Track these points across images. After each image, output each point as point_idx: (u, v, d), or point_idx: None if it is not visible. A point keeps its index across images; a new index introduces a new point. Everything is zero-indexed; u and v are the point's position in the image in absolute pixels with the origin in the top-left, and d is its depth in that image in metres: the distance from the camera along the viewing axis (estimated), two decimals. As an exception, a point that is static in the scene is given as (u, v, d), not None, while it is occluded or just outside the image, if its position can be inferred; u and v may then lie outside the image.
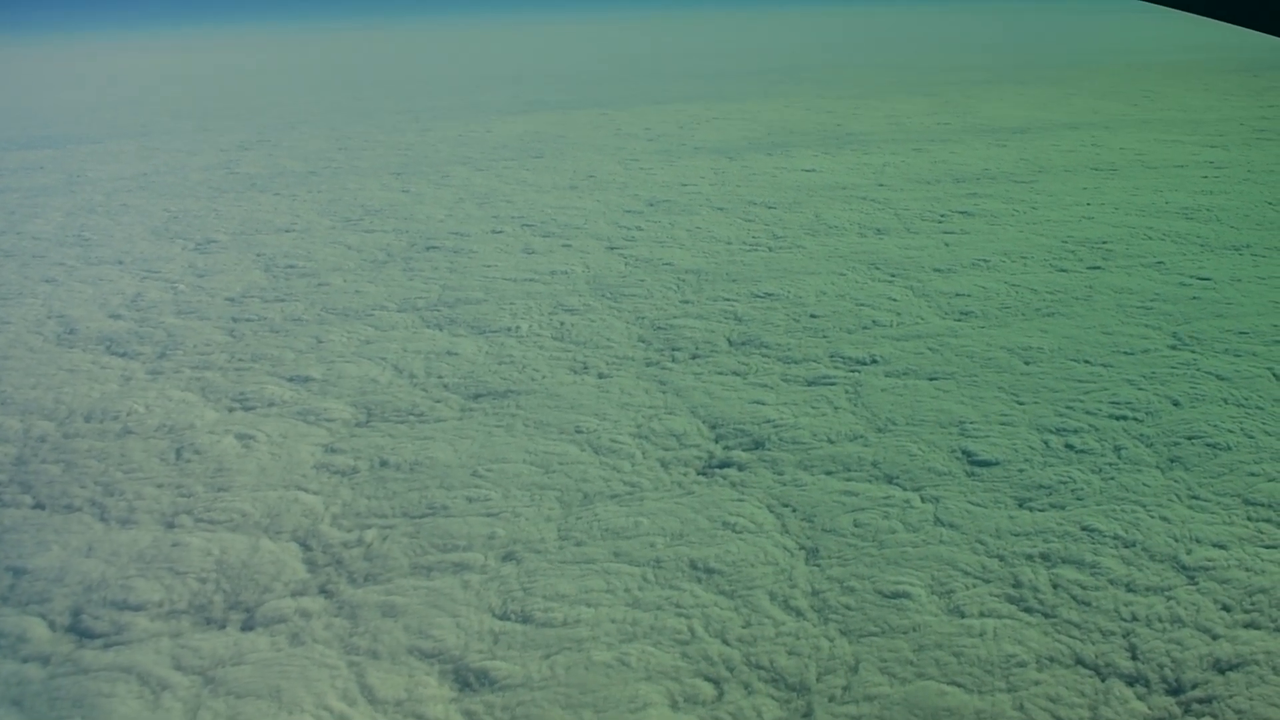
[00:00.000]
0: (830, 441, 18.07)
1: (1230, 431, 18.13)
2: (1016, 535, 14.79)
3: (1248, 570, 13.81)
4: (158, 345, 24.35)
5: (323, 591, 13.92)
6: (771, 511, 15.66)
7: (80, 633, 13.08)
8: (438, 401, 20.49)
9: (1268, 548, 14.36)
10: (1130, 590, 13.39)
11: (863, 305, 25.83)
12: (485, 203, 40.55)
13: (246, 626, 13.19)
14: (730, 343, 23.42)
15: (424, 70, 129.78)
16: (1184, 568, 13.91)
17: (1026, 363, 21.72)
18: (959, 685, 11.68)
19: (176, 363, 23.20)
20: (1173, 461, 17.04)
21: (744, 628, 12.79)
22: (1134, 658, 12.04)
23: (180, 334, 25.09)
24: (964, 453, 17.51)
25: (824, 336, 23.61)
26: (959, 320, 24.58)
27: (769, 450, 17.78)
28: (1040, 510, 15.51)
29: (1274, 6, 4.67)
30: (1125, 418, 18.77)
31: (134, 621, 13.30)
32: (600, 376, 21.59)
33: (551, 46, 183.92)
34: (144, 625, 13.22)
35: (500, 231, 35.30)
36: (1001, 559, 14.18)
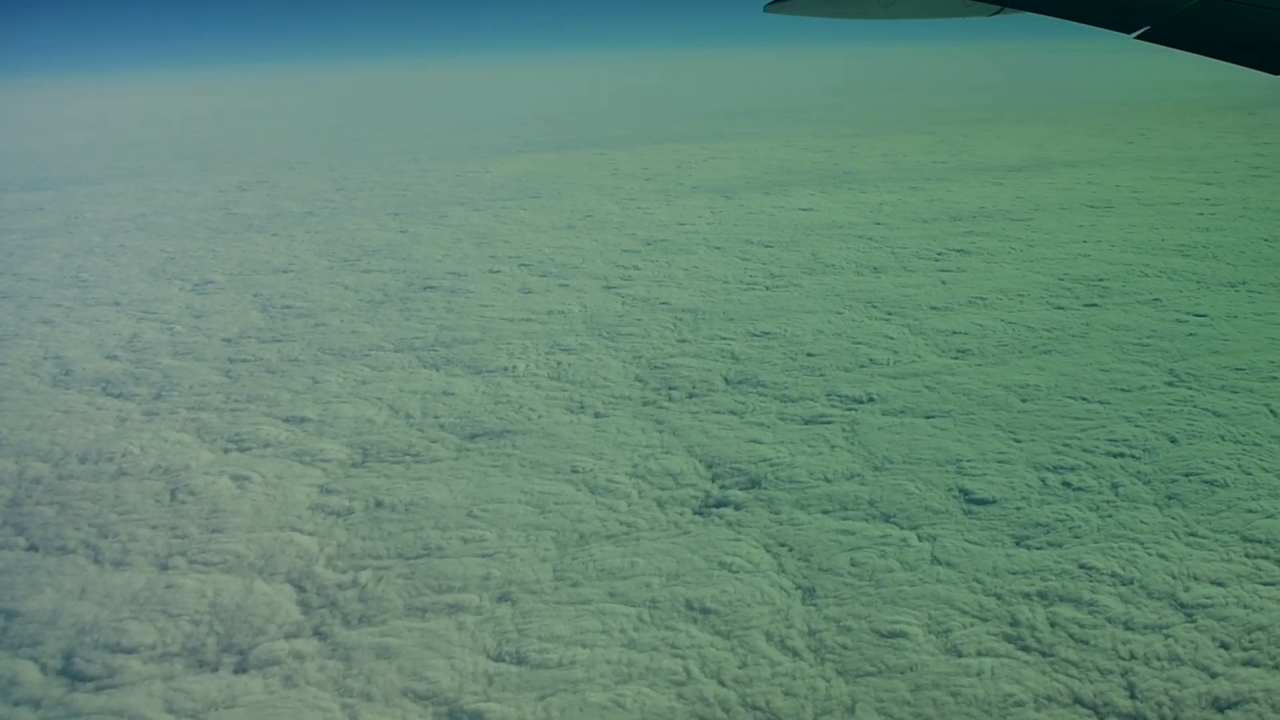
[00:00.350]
0: (827, 480, 18.02)
1: (1227, 468, 18.09)
2: (1014, 573, 14.73)
3: (1246, 607, 13.75)
4: (154, 386, 24.30)
5: (317, 633, 13.85)
6: (768, 551, 15.60)
7: (72, 676, 13.01)
8: (434, 441, 20.44)
9: (1266, 584, 14.31)
10: (1128, 628, 13.33)
11: (860, 343, 25.81)
12: (483, 242, 40.62)
13: (240, 669, 13.12)
14: (727, 381, 23.39)
15: (422, 111, 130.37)
16: (1182, 605, 13.85)
17: (1023, 400, 21.68)
18: (956, 725, 11.61)
19: (172, 403, 23.15)
20: (1170, 498, 16.99)
21: (740, 668, 12.72)
22: (1132, 696, 11.97)
23: (176, 375, 25.05)
24: (961, 491, 17.46)
25: (821, 375, 23.58)
26: (956, 358, 24.56)
27: (766, 489, 17.73)
28: (1038, 548, 15.46)
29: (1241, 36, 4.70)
30: (1122, 455, 18.73)
31: (126, 664, 13.23)
32: (597, 416, 21.56)
33: (549, 87, 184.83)
34: (136, 668, 13.15)
35: (497, 271, 35.33)
36: (999, 597, 14.11)
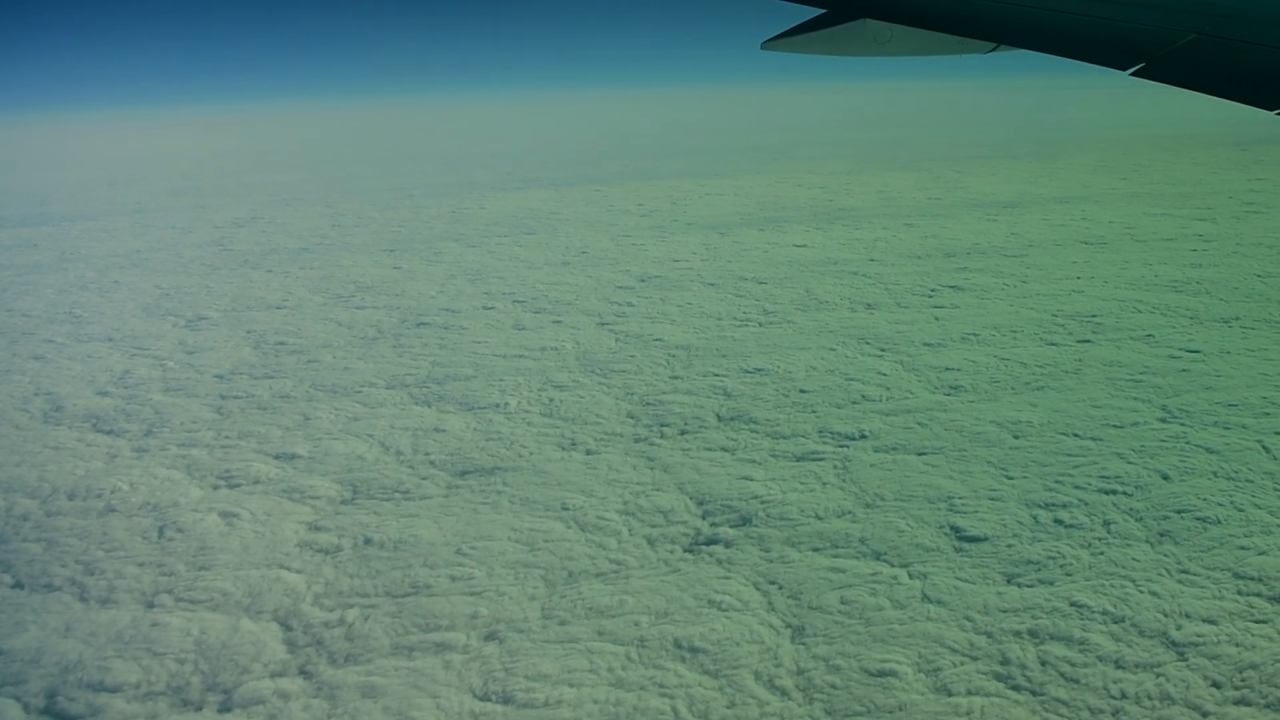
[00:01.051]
0: (818, 518, 17.94)
1: (1220, 505, 18.03)
2: (1004, 611, 14.65)
3: (1238, 645, 13.67)
4: (144, 422, 24.24)
5: (302, 672, 13.75)
6: (758, 589, 15.52)
7: (55, 715, 12.91)
8: (424, 479, 20.37)
9: (1258, 622, 14.23)
10: (1119, 667, 13.25)
11: (852, 380, 25.77)
12: (477, 279, 40.64)
13: (224, 708, 13.02)
14: (719, 418, 23.33)
15: (419, 147, 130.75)
16: (1173, 643, 13.77)
17: (1016, 437, 21.63)
18: (945, 766, 11.53)
19: (163, 440, 23.08)
20: (1162, 535, 16.92)
21: (728, 708, 12.62)
22: (1123, 736, 11.89)
23: (167, 411, 24.99)
24: (952, 528, 17.39)
25: (813, 412, 23.53)
26: (948, 394, 24.53)
27: (756, 526, 17.66)
28: (1029, 586, 15.38)
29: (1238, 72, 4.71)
30: (1115, 492, 18.67)
31: (110, 703, 13.12)
32: (588, 453, 21.49)
33: (547, 124, 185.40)
34: (120, 707, 13.04)
35: (491, 308, 35.33)
36: (989, 636, 14.03)
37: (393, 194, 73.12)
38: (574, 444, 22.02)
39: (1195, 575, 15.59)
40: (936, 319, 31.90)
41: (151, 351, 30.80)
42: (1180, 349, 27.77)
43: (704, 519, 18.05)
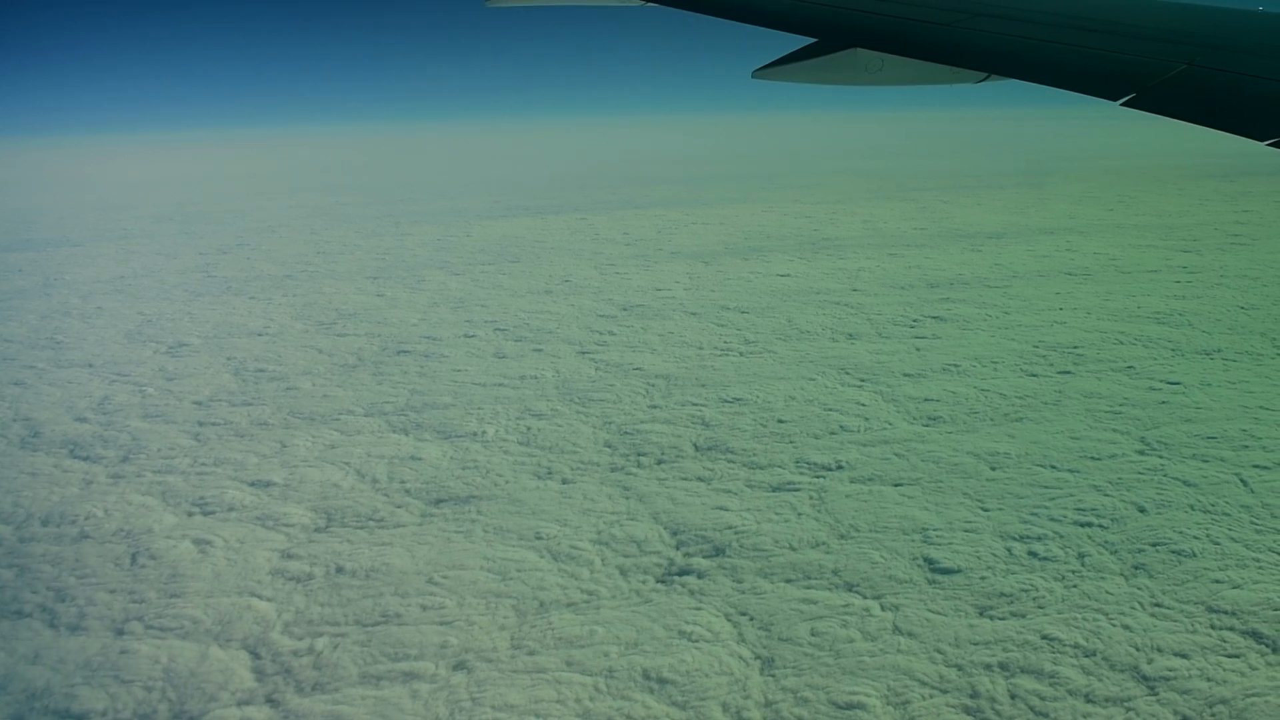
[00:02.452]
0: (792, 548, 17.90)
1: (1196, 538, 18.02)
2: (976, 644, 14.61)
3: (1209, 680, 13.65)
4: (122, 449, 24.14)
5: (269, 701, 13.68)
6: (729, 620, 15.47)
7: (18, 744, 12.80)
8: (399, 507, 20.30)
9: (1230, 656, 14.21)
10: (1089, 700, 13.21)
11: (831, 410, 25.75)
12: (459, 307, 40.61)
13: (188, 737, 12.93)
14: (696, 448, 23.29)
15: (407, 174, 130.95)
16: (1144, 678, 13.74)
17: (993, 468, 21.62)
18: (911, 799, 11.47)
19: (139, 466, 22.99)
20: (1137, 569, 16.90)
21: (695, 740, 12.55)
22: (1090, 771, 11.84)
23: (145, 437, 24.89)
24: (926, 560, 17.35)
25: (790, 442, 23.49)
26: (927, 425, 24.51)
27: (730, 557, 17.60)
28: (1001, 619, 15.34)
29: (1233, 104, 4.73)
30: (1090, 524, 18.66)
31: (74, 732, 13.03)
32: (564, 482, 21.44)
33: (537, 151, 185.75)
34: (84, 736, 12.95)
35: (472, 336, 35.29)
36: (960, 668, 13.99)
37: (379, 221, 73.14)
38: (550, 473, 21.97)
39: (1168, 609, 15.57)
40: (918, 349, 31.92)
41: (131, 378, 30.70)
42: (1161, 381, 27.81)
43: (677, 549, 18.00)
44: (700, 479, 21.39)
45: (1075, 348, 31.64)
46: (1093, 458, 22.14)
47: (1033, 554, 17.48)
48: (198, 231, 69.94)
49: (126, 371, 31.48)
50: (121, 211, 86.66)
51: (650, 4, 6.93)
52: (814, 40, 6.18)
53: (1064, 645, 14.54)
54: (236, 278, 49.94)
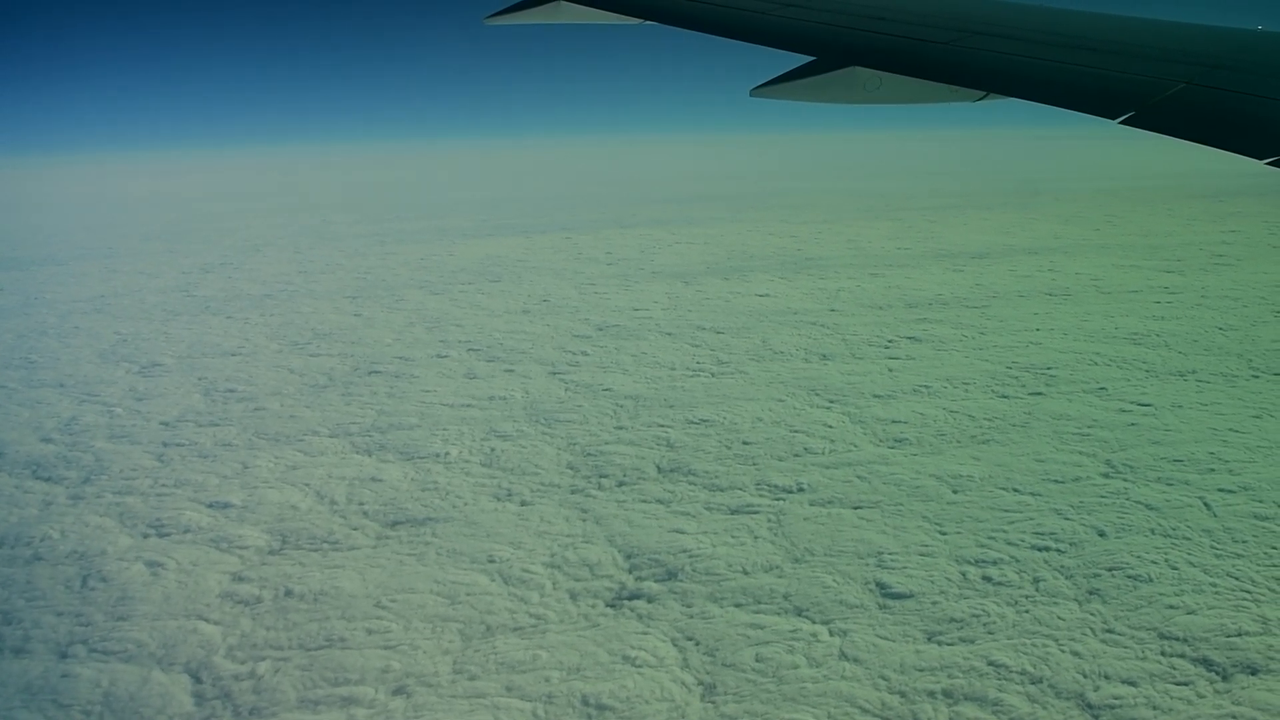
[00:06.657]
0: (745, 572, 17.78)
1: (1153, 563, 17.91)
2: (921, 670, 14.49)
3: (1155, 709, 13.55)
4: (84, 470, 24.01)
5: (205, 727, 13.53)
6: (675, 645, 15.35)
7: (-55, 771, 12.66)
8: (354, 529, 20.17)
9: (1178, 684, 14.10)
10: (1031, 729, 13.09)
11: (797, 432, 25.64)
12: (435, 326, 40.52)
13: (119, 764, 12.79)
14: (659, 470, 23.18)
15: (393, 193, 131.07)
16: (1089, 705, 13.64)
17: (955, 491, 21.51)
18: (842, 830, 11.35)
19: (99, 487, 22.85)
20: (1091, 594, 16.79)
21: (629, 768, 12.43)
22: (1025, 801, 11.72)
23: (109, 458, 24.76)
24: (879, 584, 17.24)
25: (753, 464, 23.38)
26: (892, 448, 24.41)
27: (682, 581, 17.49)
28: (949, 644, 15.23)
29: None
30: (1048, 549, 18.54)
31: (3, 759, 12.89)
32: (522, 504, 21.31)
33: (526, 169, 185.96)
34: (13, 763, 12.81)
35: (445, 355, 35.18)
36: (903, 695, 13.87)
37: (363, 240, 73.11)
38: (510, 494, 21.85)
39: (1120, 635, 15.46)
40: (890, 370, 31.83)
41: (101, 398, 30.56)
42: (1132, 402, 27.73)
43: (630, 573, 17.88)
44: (660, 501, 21.27)
45: (1049, 369, 31.56)
46: (1056, 480, 22.04)
47: (987, 579, 17.37)
48: (183, 250, 69.87)
49: (97, 392, 31.34)
50: (108, 230, 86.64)
51: (649, 22, 6.91)
52: (813, 59, 6.17)
53: (1010, 672, 14.42)
54: (216, 297, 49.84)
